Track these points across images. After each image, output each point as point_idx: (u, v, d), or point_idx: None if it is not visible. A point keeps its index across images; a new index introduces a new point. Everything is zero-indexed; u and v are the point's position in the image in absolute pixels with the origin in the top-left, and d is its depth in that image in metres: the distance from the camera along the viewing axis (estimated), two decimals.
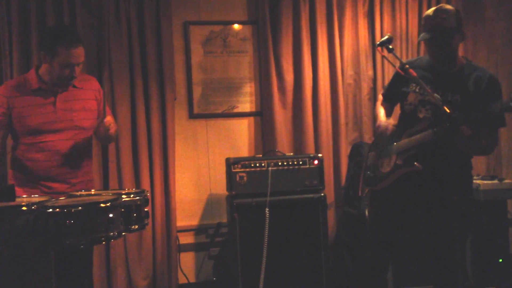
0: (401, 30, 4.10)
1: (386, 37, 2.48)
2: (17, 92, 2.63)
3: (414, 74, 2.37)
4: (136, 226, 2.25)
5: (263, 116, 4.01)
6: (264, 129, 4.01)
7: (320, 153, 3.82)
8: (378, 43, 2.50)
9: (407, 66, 2.39)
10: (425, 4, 4.10)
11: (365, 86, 4.10)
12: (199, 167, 3.97)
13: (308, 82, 3.95)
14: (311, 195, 3.48)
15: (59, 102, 2.68)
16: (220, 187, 3.92)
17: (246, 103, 4.04)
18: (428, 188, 2.50)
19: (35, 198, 2.29)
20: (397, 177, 2.55)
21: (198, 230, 3.97)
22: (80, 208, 1.94)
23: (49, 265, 2.14)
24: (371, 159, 2.76)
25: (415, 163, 2.45)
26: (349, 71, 4.08)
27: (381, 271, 2.70)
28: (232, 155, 3.84)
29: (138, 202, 2.27)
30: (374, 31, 4.07)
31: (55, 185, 2.65)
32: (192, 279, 3.91)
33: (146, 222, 2.34)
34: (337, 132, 4.02)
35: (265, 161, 3.47)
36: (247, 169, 3.45)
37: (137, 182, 3.68)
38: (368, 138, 4.08)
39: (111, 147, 3.62)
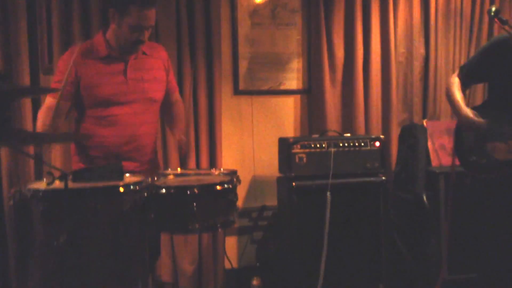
0: (455, 6, 3.91)
1: (497, 8, 2.30)
2: (85, 59, 2.36)
3: None
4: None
5: (311, 93, 3.80)
6: (312, 107, 3.80)
7: (370, 134, 3.66)
8: (493, 14, 2.31)
9: None
10: None
11: (417, 65, 3.92)
12: (244, 147, 3.74)
13: (359, 59, 3.75)
14: (373, 179, 3.30)
15: (130, 71, 2.41)
16: (265, 168, 3.72)
17: (293, 80, 3.81)
18: None
19: (139, 176, 2.02)
20: None
21: (241, 213, 3.74)
22: (197, 189, 1.71)
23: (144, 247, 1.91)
24: (469, 141, 2.58)
25: None
26: (401, 49, 3.89)
27: None
28: (278, 134, 3.63)
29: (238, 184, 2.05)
30: (429, 8, 3.87)
31: (125, 164, 2.39)
32: (234, 264, 3.71)
33: None
34: (388, 112, 3.84)
35: (326, 142, 3.27)
36: (307, 150, 3.24)
37: (183, 161, 3.42)
38: (417, 119, 3.93)
39: None
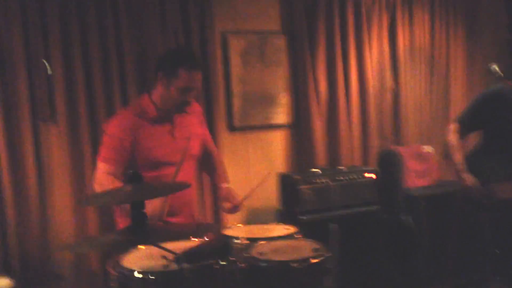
0: (420, 42, 4.36)
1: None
2: (138, 121, 2.39)
3: None
4: None
5: (298, 127, 4.03)
6: (300, 140, 4.04)
7: (354, 163, 3.98)
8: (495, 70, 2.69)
9: None
10: (437, 20, 4.40)
11: (388, 97, 4.30)
12: (241, 181, 3.87)
13: (341, 93, 4.05)
14: (370, 208, 3.61)
15: (177, 131, 2.49)
16: (261, 201, 3.88)
17: (281, 114, 4.02)
18: None
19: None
20: None
21: None
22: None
23: None
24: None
25: None
26: (375, 82, 4.25)
27: None
28: (270, 167, 3.84)
29: None
30: (397, 46, 4.27)
31: (179, 219, 2.47)
32: None
33: None
34: (366, 142, 4.18)
35: (327, 177, 3.52)
36: (311, 186, 3.47)
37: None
38: (390, 145, 4.32)
39: None
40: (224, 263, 1.89)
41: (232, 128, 3.85)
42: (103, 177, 2.33)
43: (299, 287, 1.93)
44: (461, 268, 3.90)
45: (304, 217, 3.41)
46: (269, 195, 3.82)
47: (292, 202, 3.49)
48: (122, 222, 2.48)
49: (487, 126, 2.99)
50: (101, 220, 3.32)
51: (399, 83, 4.31)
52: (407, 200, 4.01)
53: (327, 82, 4.05)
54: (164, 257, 1.82)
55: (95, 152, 3.31)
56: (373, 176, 3.63)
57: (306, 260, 1.93)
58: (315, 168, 3.82)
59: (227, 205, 2.67)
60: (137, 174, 1.60)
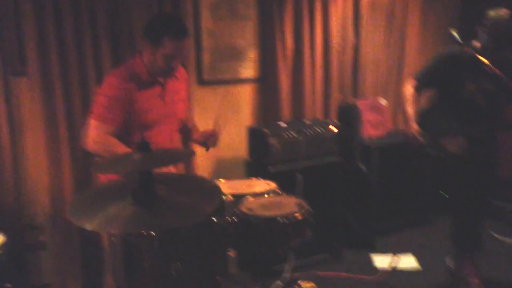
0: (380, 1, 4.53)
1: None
2: (131, 83, 2.45)
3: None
4: None
5: (266, 81, 4.18)
6: (267, 94, 4.19)
7: (316, 116, 4.21)
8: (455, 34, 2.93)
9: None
10: None
11: (349, 52, 4.50)
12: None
13: (307, 48, 4.20)
14: (333, 159, 3.87)
15: (167, 95, 2.58)
16: (229, 152, 4.06)
17: (249, 69, 4.14)
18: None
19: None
20: None
21: None
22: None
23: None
24: (427, 139, 3.24)
25: None
26: (338, 39, 4.41)
27: None
28: (238, 119, 4.01)
29: None
30: (359, 3, 4.42)
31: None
32: None
33: None
34: (329, 95, 4.40)
35: (295, 130, 3.72)
36: (280, 139, 3.66)
37: None
38: (349, 98, 4.57)
39: None
40: (220, 219, 2.08)
41: (201, 82, 3.94)
42: (103, 137, 2.40)
43: (285, 239, 2.15)
44: (408, 209, 4.32)
45: (272, 168, 3.63)
46: (237, 146, 4.02)
47: (261, 154, 3.69)
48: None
49: (440, 85, 3.26)
50: (75, 172, 3.41)
51: (360, 38, 4.50)
52: (362, 150, 4.32)
53: (294, 37, 4.17)
54: None
55: (68, 105, 3.35)
56: (335, 128, 3.87)
57: (292, 215, 2.15)
58: (280, 121, 4.02)
59: (209, 138, 2.79)
60: (146, 142, 1.72)
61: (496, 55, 2.99)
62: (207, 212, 1.65)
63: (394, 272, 3.70)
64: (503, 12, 2.97)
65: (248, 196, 2.34)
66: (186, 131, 2.90)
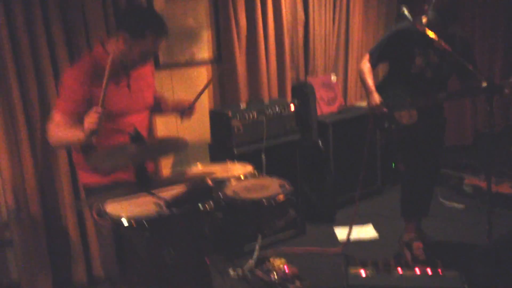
0: None
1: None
2: (94, 73, 2.36)
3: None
4: None
5: (221, 62, 4.16)
6: (223, 75, 4.18)
7: (272, 95, 4.28)
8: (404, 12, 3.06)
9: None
10: None
11: (300, 30, 4.56)
12: (166, 118, 3.96)
13: (260, 27, 4.20)
14: (292, 137, 3.96)
15: (133, 84, 2.53)
16: (189, 136, 4.04)
17: (205, 50, 4.11)
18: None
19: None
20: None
21: None
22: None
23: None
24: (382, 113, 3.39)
25: None
26: (288, 16, 4.45)
27: None
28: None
29: None
30: None
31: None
32: None
33: None
34: (282, 74, 4.44)
35: (256, 112, 3.76)
36: (243, 121, 3.69)
37: None
38: (301, 77, 4.65)
39: None
40: (207, 204, 2.10)
41: (157, 65, 3.86)
42: (59, 128, 2.33)
43: (271, 219, 2.21)
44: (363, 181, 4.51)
45: (236, 150, 3.66)
46: (199, 130, 4.01)
47: (224, 137, 3.71)
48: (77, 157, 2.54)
49: (392, 59, 3.43)
50: (37, 167, 3.29)
51: (309, 15, 4.57)
52: (318, 126, 4.45)
53: (246, 16, 4.17)
54: (156, 204, 1.98)
55: (24, 95, 3.20)
56: (293, 107, 3.95)
57: (276, 196, 2.21)
58: (238, 102, 4.04)
59: (186, 111, 2.81)
60: (139, 134, 1.71)
61: (442, 30, 3.16)
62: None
63: (356, 243, 3.88)
64: None
65: (231, 179, 2.37)
66: (155, 105, 2.82)
